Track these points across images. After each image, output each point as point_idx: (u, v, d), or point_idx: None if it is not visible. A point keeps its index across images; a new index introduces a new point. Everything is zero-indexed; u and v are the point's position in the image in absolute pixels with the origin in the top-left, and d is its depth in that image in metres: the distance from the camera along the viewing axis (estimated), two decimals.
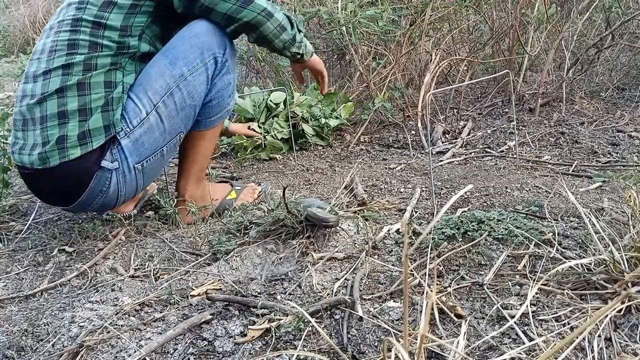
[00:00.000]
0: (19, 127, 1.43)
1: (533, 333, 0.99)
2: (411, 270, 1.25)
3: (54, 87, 1.38)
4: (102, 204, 1.49)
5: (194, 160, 1.63)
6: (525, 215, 1.45)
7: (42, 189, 1.47)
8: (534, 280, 1.15)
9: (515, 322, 1.01)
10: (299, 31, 1.64)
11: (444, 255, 1.27)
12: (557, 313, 1.04)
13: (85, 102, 1.39)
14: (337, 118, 2.42)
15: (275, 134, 2.30)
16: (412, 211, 1.58)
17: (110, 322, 1.14)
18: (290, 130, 2.28)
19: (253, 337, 1.07)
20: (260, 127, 2.31)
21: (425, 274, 1.22)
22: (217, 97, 1.57)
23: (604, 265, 1.10)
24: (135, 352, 1.04)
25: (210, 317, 1.13)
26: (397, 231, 1.45)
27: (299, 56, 1.69)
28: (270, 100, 2.38)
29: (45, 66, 1.41)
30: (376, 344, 1.02)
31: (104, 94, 1.40)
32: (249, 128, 2.33)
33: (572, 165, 1.95)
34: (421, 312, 1.08)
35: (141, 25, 1.45)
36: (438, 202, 1.66)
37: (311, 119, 2.39)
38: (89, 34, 1.40)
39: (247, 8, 1.48)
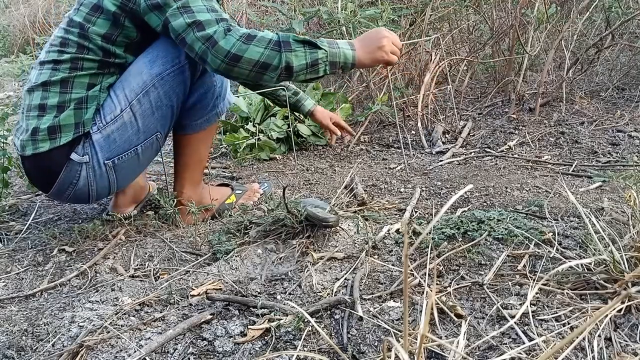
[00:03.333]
0: (21, 110, 1.48)
1: (533, 333, 0.99)
2: (411, 270, 1.25)
3: (41, 80, 1.40)
4: (74, 196, 1.49)
5: (186, 164, 1.62)
6: (525, 215, 1.45)
7: (26, 172, 1.50)
8: (534, 280, 1.15)
9: (515, 322, 1.01)
10: (309, 48, 1.35)
11: (444, 255, 1.27)
12: (557, 313, 1.04)
13: (64, 99, 1.40)
14: None
15: (270, 134, 2.29)
16: (412, 211, 1.58)
17: (110, 322, 1.14)
18: (288, 130, 2.28)
19: (253, 337, 1.07)
20: (255, 127, 2.30)
21: (425, 273, 1.22)
22: (200, 100, 1.54)
23: (604, 265, 1.10)
24: (135, 352, 1.04)
25: (210, 317, 1.13)
26: (397, 231, 1.45)
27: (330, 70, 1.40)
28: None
29: (43, 57, 1.44)
30: (376, 343, 1.02)
31: (83, 95, 1.41)
32: (333, 123, 2.09)
33: (572, 165, 1.95)
34: (421, 312, 1.08)
35: (129, 39, 1.42)
36: (438, 202, 1.66)
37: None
38: (76, 34, 1.40)
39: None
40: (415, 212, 1.59)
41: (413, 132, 2.50)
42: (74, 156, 1.42)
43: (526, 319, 1.03)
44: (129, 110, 1.44)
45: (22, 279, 1.41)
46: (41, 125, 1.39)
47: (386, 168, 2.08)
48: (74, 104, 1.40)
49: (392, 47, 1.45)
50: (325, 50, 1.37)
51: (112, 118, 1.43)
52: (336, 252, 1.36)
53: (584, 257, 1.15)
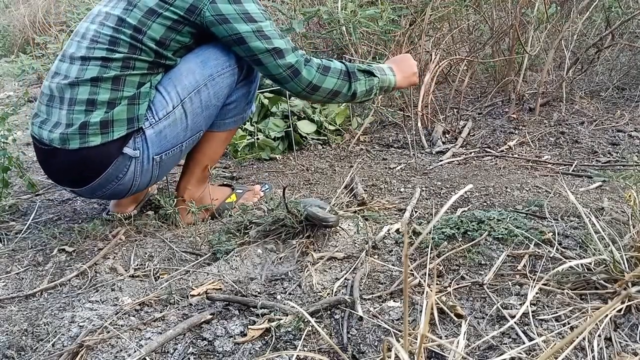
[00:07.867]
0: (44, 101, 1.46)
1: (533, 333, 0.99)
2: (411, 270, 1.25)
3: (90, 75, 1.40)
4: (113, 192, 1.49)
5: (200, 160, 1.64)
6: (525, 215, 1.45)
7: (55, 167, 1.48)
8: (534, 280, 1.15)
9: (515, 322, 1.01)
10: (367, 77, 1.57)
11: (444, 255, 1.27)
12: (557, 313, 1.04)
13: (116, 96, 1.41)
14: (330, 124, 2.41)
15: (269, 134, 2.28)
16: (412, 211, 1.58)
17: (110, 322, 1.14)
18: (288, 130, 2.27)
19: (253, 337, 1.07)
20: (253, 126, 2.30)
21: (425, 273, 1.22)
22: (236, 101, 1.59)
23: (604, 265, 1.10)
24: (135, 352, 1.04)
25: (210, 317, 1.13)
26: (397, 231, 1.45)
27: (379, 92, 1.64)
28: (265, 96, 2.37)
29: (85, 52, 1.42)
30: (376, 343, 1.02)
31: (135, 92, 1.42)
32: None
33: (572, 165, 1.95)
34: (421, 312, 1.08)
35: (182, 44, 1.45)
36: (438, 202, 1.66)
37: (308, 120, 2.39)
38: (129, 36, 1.40)
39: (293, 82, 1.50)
40: (415, 212, 1.59)
41: (413, 132, 2.50)
42: (126, 150, 1.43)
43: (526, 319, 1.03)
44: (180, 107, 1.47)
45: (22, 279, 1.41)
46: (91, 120, 1.39)
47: (386, 168, 2.08)
48: (127, 100, 1.41)
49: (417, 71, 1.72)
50: (379, 78, 1.60)
51: (165, 114, 1.46)
52: (336, 252, 1.36)
53: (584, 257, 1.15)
